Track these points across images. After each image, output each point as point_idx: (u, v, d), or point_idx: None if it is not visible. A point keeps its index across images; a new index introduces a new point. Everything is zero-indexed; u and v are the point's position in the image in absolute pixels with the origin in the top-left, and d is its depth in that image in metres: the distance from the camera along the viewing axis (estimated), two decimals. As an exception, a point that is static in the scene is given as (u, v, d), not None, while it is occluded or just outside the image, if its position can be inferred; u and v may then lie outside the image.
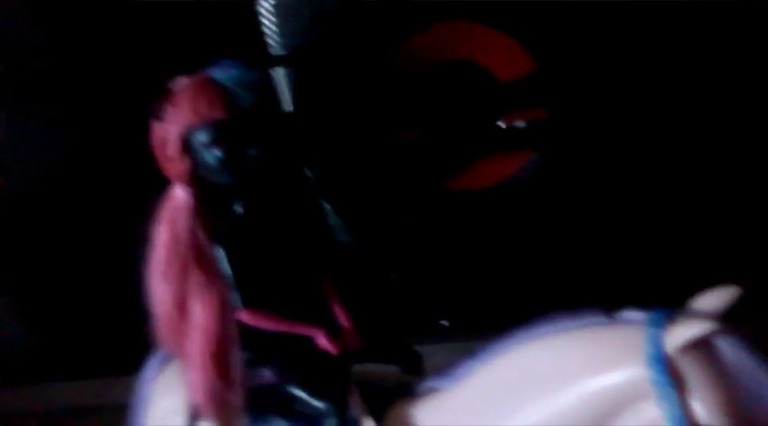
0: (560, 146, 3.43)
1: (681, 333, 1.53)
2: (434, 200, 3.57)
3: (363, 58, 3.40)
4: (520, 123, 3.49)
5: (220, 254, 1.96)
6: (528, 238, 3.37)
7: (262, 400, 2.04)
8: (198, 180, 1.96)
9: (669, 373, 1.53)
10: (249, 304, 1.99)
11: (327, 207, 3.56)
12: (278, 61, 3.36)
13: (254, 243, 2.01)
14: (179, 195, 1.98)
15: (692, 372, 1.54)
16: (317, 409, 1.98)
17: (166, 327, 2.02)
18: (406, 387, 1.97)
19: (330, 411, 1.95)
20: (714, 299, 1.55)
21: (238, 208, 1.96)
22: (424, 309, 3.30)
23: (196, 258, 1.98)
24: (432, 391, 1.91)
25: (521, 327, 1.78)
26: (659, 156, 3.50)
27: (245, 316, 1.98)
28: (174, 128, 1.94)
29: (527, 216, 3.41)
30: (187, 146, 1.93)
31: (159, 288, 1.98)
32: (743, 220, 3.41)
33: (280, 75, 3.39)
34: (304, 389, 1.99)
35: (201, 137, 1.93)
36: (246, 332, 2.00)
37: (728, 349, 1.55)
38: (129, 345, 2.17)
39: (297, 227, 2.14)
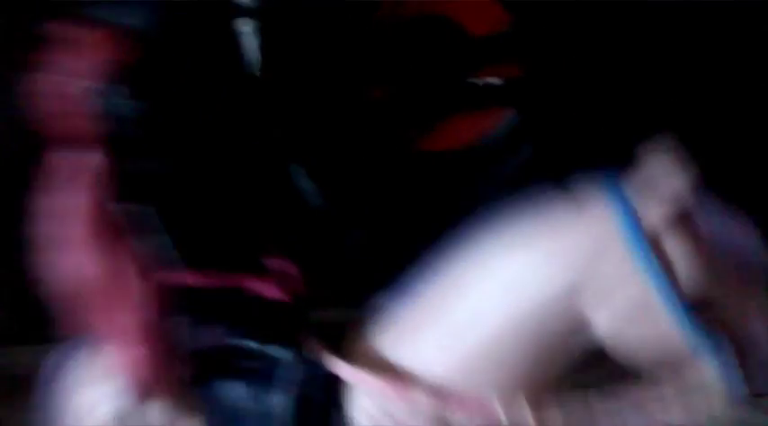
0: (535, 104, 3.36)
1: (653, 212, 1.54)
2: (405, 161, 3.46)
3: (334, 12, 3.27)
4: (494, 80, 3.39)
5: (148, 214, 1.81)
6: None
7: (209, 365, 1.90)
8: (107, 135, 1.80)
9: (651, 251, 1.54)
10: (187, 262, 1.85)
11: (299, 168, 3.45)
12: (244, 13, 3.21)
13: (186, 197, 1.87)
14: (85, 157, 1.80)
15: (671, 246, 1.55)
16: (272, 358, 1.86)
17: (89, 304, 1.87)
18: (356, 318, 1.96)
19: (287, 357, 1.85)
20: (664, 163, 1.54)
21: (160, 164, 1.82)
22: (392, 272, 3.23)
23: (111, 224, 1.82)
24: (383, 309, 1.90)
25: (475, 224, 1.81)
26: (633, 114, 3.47)
27: (184, 276, 1.84)
28: (79, 78, 1.76)
29: (501, 175, 3.33)
30: (96, 98, 1.76)
31: (75, 263, 1.81)
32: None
33: (246, 28, 3.24)
34: (255, 341, 1.87)
35: (115, 86, 1.77)
36: (185, 294, 1.88)
37: (701, 211, 1.59)
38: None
39: (236, 181, 2.02)
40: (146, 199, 1.82)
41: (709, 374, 1.57)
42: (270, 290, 1.87)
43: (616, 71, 3.45)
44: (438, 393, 1.70)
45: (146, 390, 1.85)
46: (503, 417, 1.68)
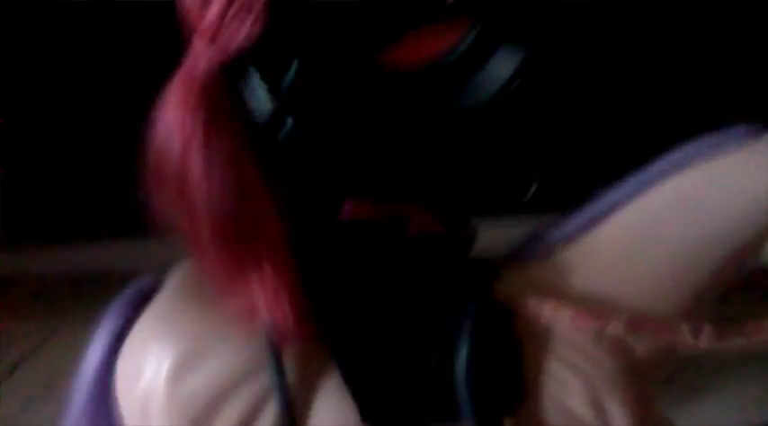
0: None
1: None
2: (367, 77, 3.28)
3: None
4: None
5: (289, 127, 1.51)
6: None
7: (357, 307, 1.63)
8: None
9: None
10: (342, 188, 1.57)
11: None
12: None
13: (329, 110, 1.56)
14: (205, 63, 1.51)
15: None
16: (438, 301, 1.60)
17: (228, 232, 1.53)
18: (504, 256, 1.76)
19: (458, 297, 1.60)
20: None
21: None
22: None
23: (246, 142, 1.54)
24: (548, 246, 1.73)
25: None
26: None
27: (344, 206, 1.58)
28: None
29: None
30: None
31: (214, 182, 1.50)
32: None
33: None
34: (418, 281, 1.60)
35: None
36: (339, 227, 1.59)
37: None
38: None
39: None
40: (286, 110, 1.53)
41: None
42: (432, 223, 1.61)
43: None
44: (631, 319, 1.64)
45: (283, 337, 1.55)
46: (689, 338, 1.66)
